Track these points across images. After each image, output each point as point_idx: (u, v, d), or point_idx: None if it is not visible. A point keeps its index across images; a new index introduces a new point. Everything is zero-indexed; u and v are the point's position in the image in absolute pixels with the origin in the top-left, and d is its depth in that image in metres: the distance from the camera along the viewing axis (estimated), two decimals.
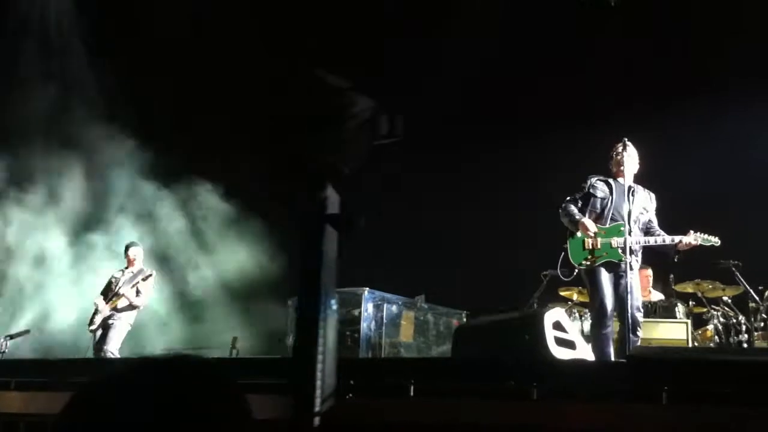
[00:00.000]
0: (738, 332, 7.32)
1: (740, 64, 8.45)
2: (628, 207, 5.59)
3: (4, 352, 7.40)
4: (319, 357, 1.47)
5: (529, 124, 9.29)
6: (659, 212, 5.95)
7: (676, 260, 5.77)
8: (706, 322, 7.61)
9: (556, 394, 3.89)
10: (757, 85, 8.10)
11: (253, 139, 9.86)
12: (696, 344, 7.23)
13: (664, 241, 5.68)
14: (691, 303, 7.68)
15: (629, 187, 5.69)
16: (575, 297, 7.85)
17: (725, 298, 7.59)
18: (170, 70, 9.87)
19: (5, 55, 9.90)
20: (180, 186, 10.41)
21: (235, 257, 10.20)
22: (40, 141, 10.10)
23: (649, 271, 7.75)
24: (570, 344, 4.89)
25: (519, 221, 8.74)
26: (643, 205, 5.81)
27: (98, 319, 7.60)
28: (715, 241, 5.67)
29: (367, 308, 7.61)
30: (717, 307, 7.61)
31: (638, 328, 5.54)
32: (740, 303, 7.50)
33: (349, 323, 7.53)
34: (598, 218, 5.78)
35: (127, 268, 7.94)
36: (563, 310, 5.76)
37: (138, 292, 7.66)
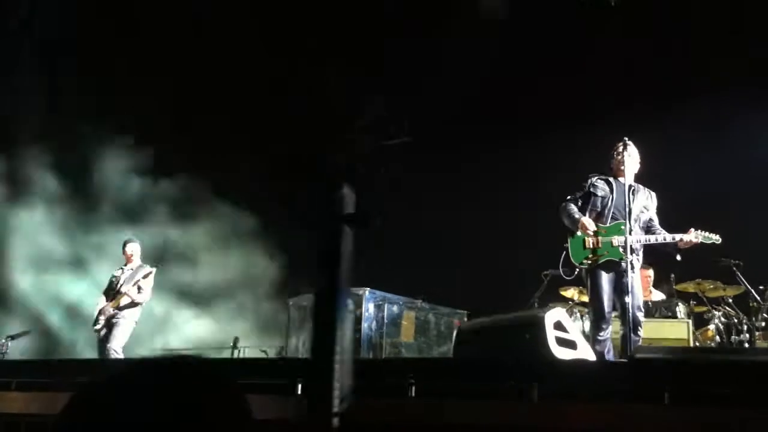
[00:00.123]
0: (739, 332, 7.31)
1: (741, 64, 8.45)
2: (628, 206, 5.59)
3: (5, 352, 7.42)
4: (337, 357, 1.46)
5: (529, 124, 9.28)
6: (660, 211, 5.94)
7: (678, 258, 5.76)
8: (707, 322, 7.60)
9: (557, 395, 3.89)
10: (758, 84, 8.10)
11: (253, 139, 9.88)
12: (697, 344, 7.22)
13: (665, 239, 5.68)
14: (692, 302, 7.66)
15: (630, 186, 5.69)
16: (576, 297, 7.84)
17: (726, 298, 7.58)
18: (170, 70, 9.87)
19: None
20: (179, 185, 10.41)
21: (234, 257, 10.20)
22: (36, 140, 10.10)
23: (650, 272, 7.75)
24: (571, 344, 4.88)
25: (519, 221, 8.74)
26: (644, 204, 5.81)
27: (102, 319, 7.61)
28: (716, 239, 5.66)
29: (368, 308, 7.60)
30: (718, 307, 7.60)
31: (639, 328, 5.53)
32: (741, 302, 7.49)
33: None
34: (599, 217, 5.77)
35: (126, 265, 7.94)
36: (564, 309, 5.76)
37: (140, 289, 7.67)
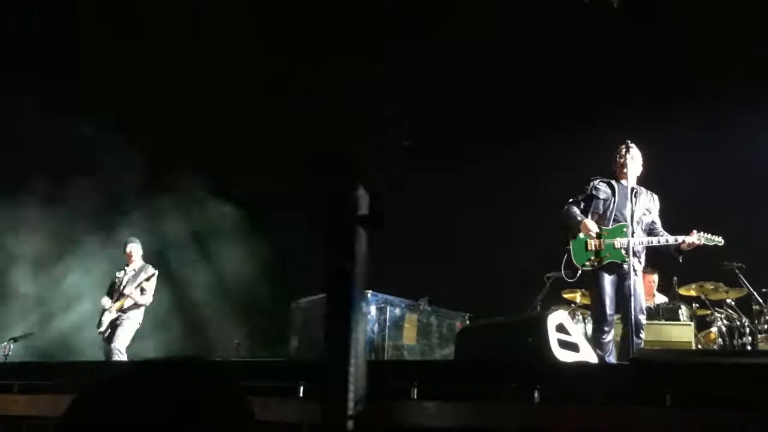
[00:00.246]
0: (742, 335, 7.31)
1: (741, 64, 8.45)
2: (630, 208, 5.59)
3: (7, 354, 7.41)
4: (352, 360, 1.46)
5: (529, 124, 9.28)
6: (661, 213, 5.95)
7: (680, 260, 5.76)
8: (709, 325, 7.59)
9: (559, 397, 3.89)
10: (759, 84, 8.09)
11: (253, 139, 9.87)
12: (700, 347, 7.22)
13: (667, 241, 5.68)
14: (694, 305, 7.67)
15: (632, 189, 5.70)
16: (578, 299, 7.84)
17: (729, 301, 7.58)
18: (170, 70, 9.85)
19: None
20: (180, 186, 10.39)
21: (237, 259, 10.18)
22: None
23: (655, 277, 7.75)
24: (573, 347, 4.88)
25: (523, 222, 8.73)
26: (646, 206, 5.81)
27: (106, 321, 7.61)
28: (718, 240, 5.66)
29: (370, 311, 7.60)
30: (721, 310, 7.60)
31: (641, 331, 5.53)
32: (744, 305, 7.49)
33: None
34: (601, 219, 5.77)
35: (127, 265, 7.94)
36: (566, 312, 5.77)
37: (143, 291, 7.68)
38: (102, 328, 7.61)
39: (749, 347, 7.15)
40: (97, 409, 1.00)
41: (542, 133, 8.85)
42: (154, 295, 7.89)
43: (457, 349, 5.40)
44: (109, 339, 7.53)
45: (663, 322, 7.25)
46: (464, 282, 9.03)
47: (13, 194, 9.73)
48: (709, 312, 7.68)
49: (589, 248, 5.68)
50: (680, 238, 5.62)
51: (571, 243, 5.76)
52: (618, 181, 5.84)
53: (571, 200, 5.92)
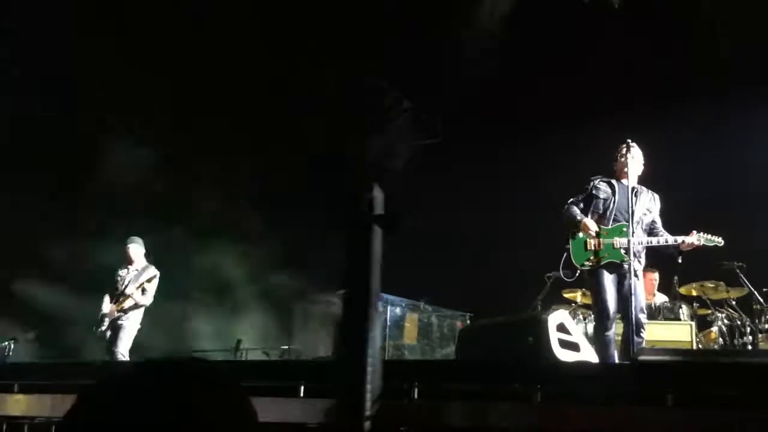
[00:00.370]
0: (742, 334, 7.31)
1: (742, 64, 8.44)
2: (631, 208, 5.58)
3: (8, 355, 7.41)
4: (369, 360, 1.45)
5: (529, 124, 9.27)
6: (661, 213, 5.94)
7: (679, 261, 5.75)
8: (710, 324, 7.59)
9: (559, 397, 3.90)
10: (759, 85, 8.09)
11: (253, 139, 9.87)
12: (700, 346, 7.22)
13: (666, 241, 5.67)
14: (695, 305, 7.67)
15: (633, 188, 5.69)
16: (579, 299, 7.84)
17: (729, 300, 7.58)
18: (170, 70, 9.85)
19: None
20: (181, 186, 10.39)
21: (235, 258, 10.18)
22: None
23: (656, 275, 7.74)
24: (574, 346, 4.89)
25: (523, 222, 8.73)
26: (647, 206, 5.80)
27: (107, 321, 7.61)
28: (718, 241, 5.65)
29: None
30: (721, 309, 7.60)
31: (642, 330, 5.52)
32: (744, 305, 7.49)
33: None
34: (601, 219, 5.77)
35: (130, 265, 7.93)
36: (567, 312, 5.77)
37: (144, 291, 7.68)
38: (102, 328, 7.60)
39: (750, 347, 7.15)
40: (98, 409, 1.01)
41: (542, 133, 8.85)
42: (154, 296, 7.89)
43: (457, 348, 5.40)
44: (111, 341, 7.51)
45: (663, 321, 7.25)
46: (465, 282, 9.03)
47: None
48: (709, 311, 7.68)
49: (588, 248, 5.67)
50: (680, 239, 5.61)
51: (570, 242, 5.75)
52: (619, 180, 5.83)
53: (571, 200, 5.91)
